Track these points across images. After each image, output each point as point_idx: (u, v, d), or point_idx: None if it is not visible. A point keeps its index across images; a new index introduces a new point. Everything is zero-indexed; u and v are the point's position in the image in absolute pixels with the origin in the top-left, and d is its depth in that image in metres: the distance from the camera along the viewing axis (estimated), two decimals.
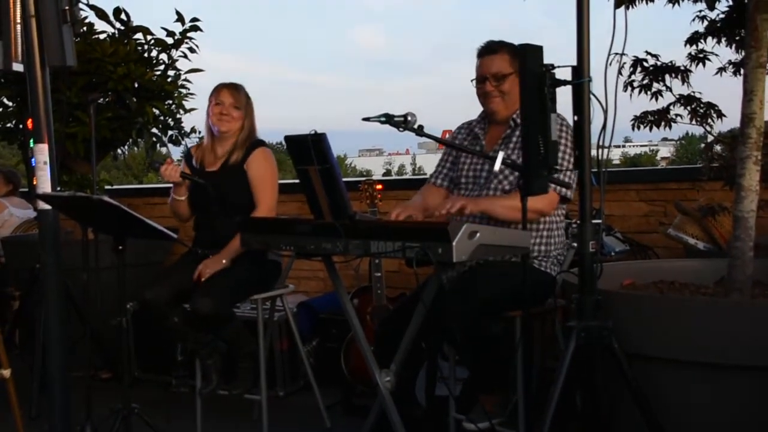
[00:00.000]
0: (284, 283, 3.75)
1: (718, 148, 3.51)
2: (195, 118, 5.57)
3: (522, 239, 2.48)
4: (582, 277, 2.37)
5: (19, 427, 3.14)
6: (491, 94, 3.09)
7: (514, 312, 2.83)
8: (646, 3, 3.20)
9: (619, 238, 3.81)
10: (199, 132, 4.96)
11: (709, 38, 3.31)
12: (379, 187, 4.07)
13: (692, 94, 3.40)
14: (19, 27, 2.92)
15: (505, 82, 3.06)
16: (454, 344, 3.05)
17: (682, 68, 3.39)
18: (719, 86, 3.99)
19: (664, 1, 3.30)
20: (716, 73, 3.38)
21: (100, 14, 4.91)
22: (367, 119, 2.58)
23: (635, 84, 3.43)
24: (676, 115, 3.43)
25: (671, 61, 3.42)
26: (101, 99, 4.69)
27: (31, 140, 3.03)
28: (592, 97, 2.34)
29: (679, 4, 3.33)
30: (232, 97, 3.59)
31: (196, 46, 5.04)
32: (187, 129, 5.22)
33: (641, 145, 77.78)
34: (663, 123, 3.42)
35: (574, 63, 2.34)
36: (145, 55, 4.99)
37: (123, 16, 4.96)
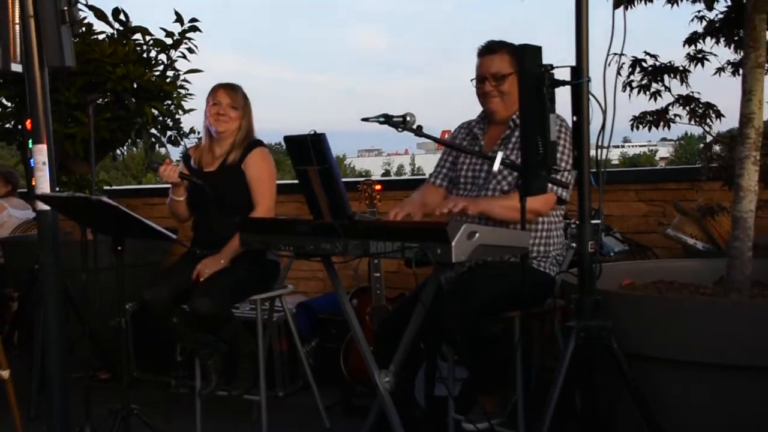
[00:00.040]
0: (283, 284, 3.75)
1: (717, 148, 3.51)
2: (194, 118, 5.59)
3: (521, 239, 2.48)
4: (581, 277, 2.37)
5: (18, 428, 3.14)
6: (490, 94, 3.09)
7: (513, 312, 2.83)
8: (645, 3, 3.20)
9: (618, 238, 3.81)
10: (198, 132, 4.96)
11: (708, 38, 3.31)
12: (378, 187, 4.07)
13: (691, 94, 3.40)
14: (17, 27, 2.92)
15: (504, 82, 3.06)
16: (453, 345, 3.05)
17: (681, 68, 3.39)
18: (718, 86, 3.99)
19: (663, 1, 3.30)
20: (715, 73, 3.39)
21: (99, 15, 4.91)
22: (366, 119, 2.58)
23: (634, 84, 3.43)
24: (675, 115, 3.43)
25: (670, 62, 3.42)
26: (100, 99, 4.69)
27: (30, 141, 3.04)
28: (591, 97, 2.34)
29: (677, 5, 3.33)
30: (229, 97, 3.59)
31: (195, 46, 5.05)
32: (186, 129, 5.23)
33: (640, 146, 77.86)
34: (662, 123, 3.42)
35: (573, 63, 2.34)
36: (144, 55, 5.00)
37: (122, 17, 4.96)
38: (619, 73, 3.25)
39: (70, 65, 2.98)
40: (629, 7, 3.15)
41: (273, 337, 4.05)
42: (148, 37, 4.99)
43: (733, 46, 3.27)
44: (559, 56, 2.38)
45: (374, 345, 3.03)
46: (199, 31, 5.01)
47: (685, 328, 2.40)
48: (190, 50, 5.05)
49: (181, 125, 5.21)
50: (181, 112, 5.17)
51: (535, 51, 2.31)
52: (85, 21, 4.92)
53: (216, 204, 3.50)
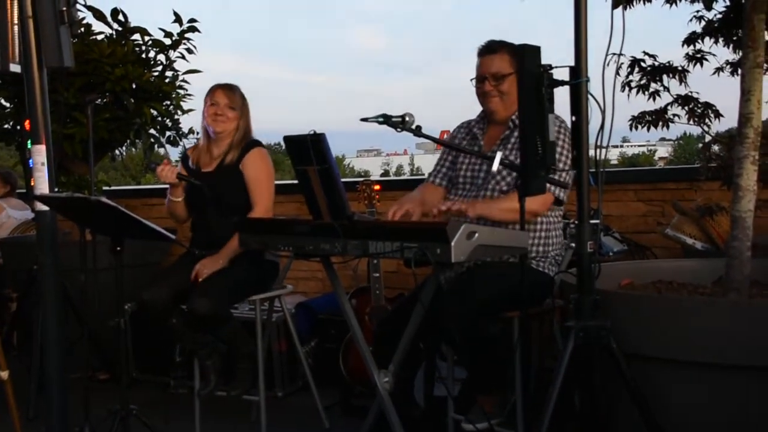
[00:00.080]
0: (283, 284, 3.75)
1: (715, 148, 3.51)
2: (193, 119, 5.58)
3: (520, 240, 2.48)
4: (580, 277, 2.36)
5: (17, 428, 3.14)
6: (490, 93, 3.09)
7: (512, 312, 2.83)
8: (644, 3, 3.21)
9: (617, 238, 3.81)
10: (197, 133, 4.95)
11: (707, 38, 3.32)
12: (377, 187, 4.07)
13: (690, 94, 3.41)
14: (16, 28, 2.93)
15: (504, 82, 3.06)
16: (452, 345, 3.05)
17: (680, 68, 3.40)
18: (717, 86, 4.00)
19: (662, 1, 3.30)
20: (714, 73, 3.39)
21: (98, 15, 4.91)
22: (365, 120, 2.58)
23: (633, 84, 3.43)
24: (674, 115, 3.43)
25: (669, 62, 3.43)
26: (99, 100, 4.68)
27: (29, 141, 3.04)
28: (589, 97, 2.34)
29: (676, 5, 3.34)
30: (227, 97, 3.59)
31: (194, 46, 5.06)
32: (185, 130, 5.23)
33: (639, 145, 77.93)
34: (661, 123, 3.43)
35: (572, 63, 2.34)
36: (143, 56, 4.99)
37: (120, 17, 4.96)
38: (618, 73, 3.26)
39: (69, 66, 2.98)
40: (628, 7, 3.16)
41: (272, 337, 4.05)
42: (146, 38, 4.99)
43: (731, 46, 3.28)
44: (558, 56, 2.38)
45: (373, 345, 3.02)
46: (198, 31, 5.01)
47: (684, 327, 2.40)
48: (189, 50, 5.06)
49: (180, 126, 5.22)
50: (179, 112, 5.17)
51: (535, 51, 2.31)
52: (84, 21, 4.91)
53: (214, 204, 3.49)
